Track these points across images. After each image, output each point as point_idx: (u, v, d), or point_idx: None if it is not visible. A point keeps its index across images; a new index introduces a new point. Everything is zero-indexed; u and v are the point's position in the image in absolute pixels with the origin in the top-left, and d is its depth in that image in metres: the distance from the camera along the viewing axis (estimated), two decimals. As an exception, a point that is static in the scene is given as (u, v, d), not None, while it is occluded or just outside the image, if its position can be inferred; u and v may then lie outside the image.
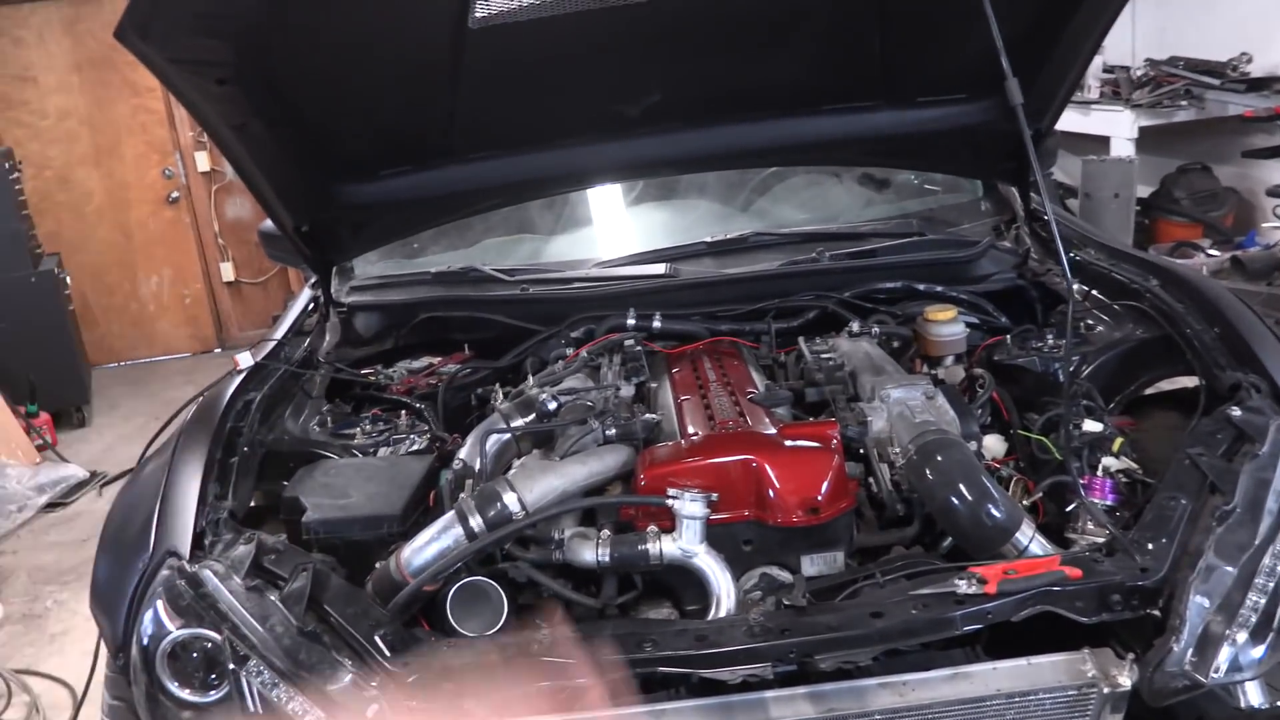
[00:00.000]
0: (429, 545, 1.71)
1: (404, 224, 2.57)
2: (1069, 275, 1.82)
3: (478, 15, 1.88)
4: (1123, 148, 6.44)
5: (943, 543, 1.80)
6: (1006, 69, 1.73)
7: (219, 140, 2.08)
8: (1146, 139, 6.49)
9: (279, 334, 2.52)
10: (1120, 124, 6.43)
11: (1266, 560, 1.56)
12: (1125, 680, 1.51)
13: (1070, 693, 1.54)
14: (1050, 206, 1.95)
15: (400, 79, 2.04)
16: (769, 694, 1.52)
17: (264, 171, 2.18)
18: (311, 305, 2.71)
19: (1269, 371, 1.85)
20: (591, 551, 1.69)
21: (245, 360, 2.26)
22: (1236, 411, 1.79)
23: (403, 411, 2.30)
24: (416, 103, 2.14)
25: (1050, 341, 2.23)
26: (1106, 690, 1.52)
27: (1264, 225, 5.96)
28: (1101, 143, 6.63)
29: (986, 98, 2.34)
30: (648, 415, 2.00)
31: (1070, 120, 6.93)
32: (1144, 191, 6.77)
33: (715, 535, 1.70)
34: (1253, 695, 1.64)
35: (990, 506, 1.66)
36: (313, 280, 2.70)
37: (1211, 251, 6.16)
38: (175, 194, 7.34)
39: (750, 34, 2.15)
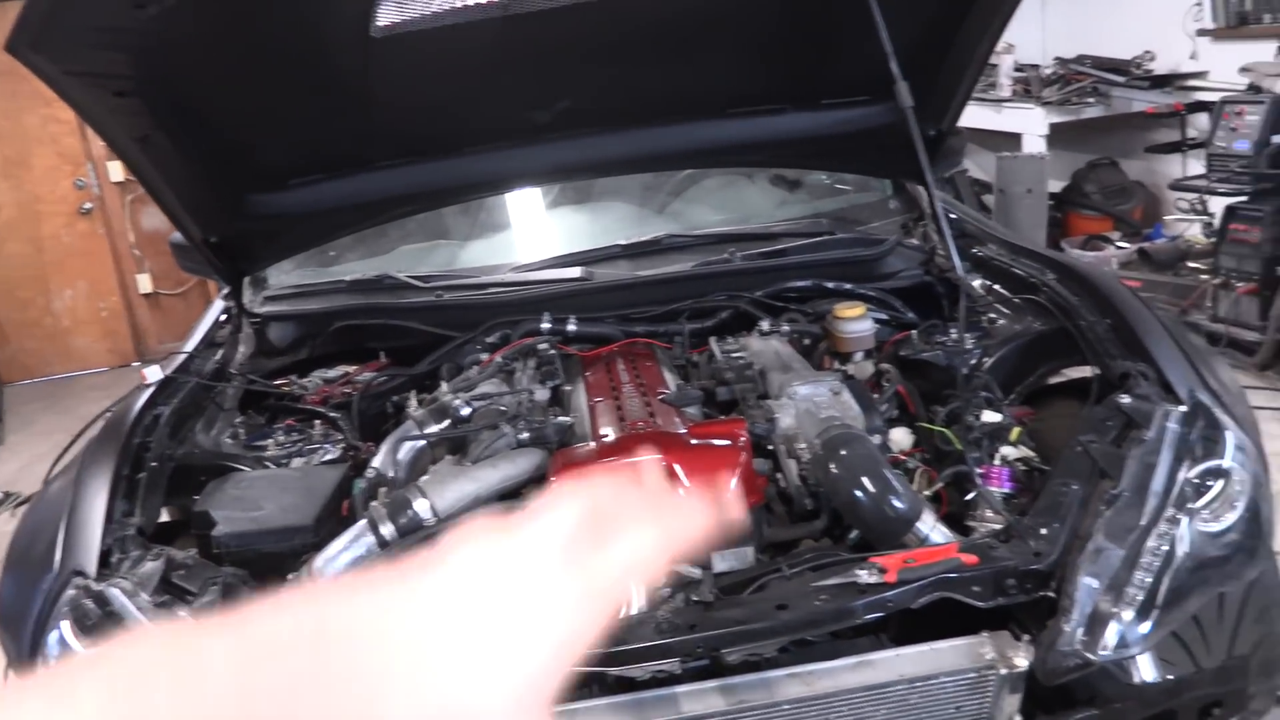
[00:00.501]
0: (341, 554, 1.71)
1: (317, 233, 2.55)
2: (960, 269, 1.87)
3: (380, 24, 1.88)
4: (1034, 144, 6.60)
5: (850, 534, 1.84)
6: (896, 73, 1.78)
7: (121, 153, 2.06)
8: (1057, 135, 6.67)
9: (189, 346, 2.49)
10: (1031, 121, 6.60)
11: (1152, 541, 1.63)
12: (1022, 661, 1.57)
13: (970, 675, 1.59)
14: (939, 206, 2.01)
15: (307, 88, 2.03)
16: (680, 689, 1.55)
17: (170, 183, 2.15)
18: (224, 316, 2.68)
19: (1156, 360, 1.92)
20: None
21: (153, 374, 2.23)
22: (1125, 399, 1.85)
23: (317, 421, 2.29)
24: (325, 111, 2.13)
25: (954, 336, 2.29)
26: (1004, 671, 1.58)
27: (1168, 218, 6.15)
28: (1014, 139, 6.80)
29: (889, 100, 2.38)
30: (561, 418, 2.02)
31: (984, 118, 7.10)
32: (1056, 186, 6.96)
33: (627, 534, 1.72)
34: (1145, 670, 1.71)
35: (892, 498, 1.71)
36: (226, 291, 2.68)
37: (1121, 244, 6.36)
38: (88, 205, 7.16)
39: (657, 41, 2.17)
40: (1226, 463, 1.75)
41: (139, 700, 0.44)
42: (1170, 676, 1.66)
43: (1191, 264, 5.46)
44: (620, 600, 0.53)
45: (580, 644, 0.51)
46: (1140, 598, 1.57)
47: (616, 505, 0.57)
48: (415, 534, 1.70)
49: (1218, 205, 5.24)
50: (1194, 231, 5.78)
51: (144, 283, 7.38)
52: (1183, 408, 1.80)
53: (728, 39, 2.18)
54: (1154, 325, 2.02)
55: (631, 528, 0.55)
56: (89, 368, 7.46)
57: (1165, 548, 1.62)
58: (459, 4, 1.85)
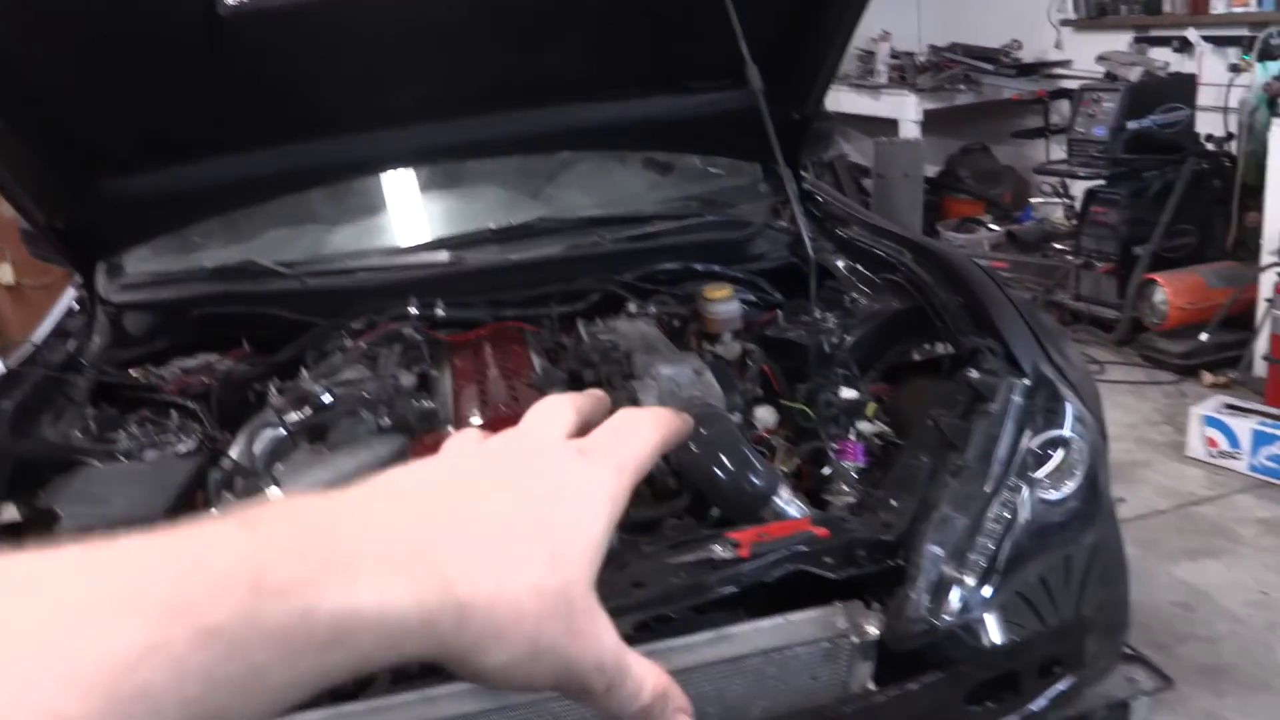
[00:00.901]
0: (192, 547, 1.66)
1: (172, 218, 2.47)
2: (809, 248, 1.91)
3: (228, 2, 1.82)
4: (910, 130, 6.79)
5: (711, 512, 1.87)
6: (745, 55, 1.80)
7: (-49, 133, 1.96)
8: (932, 121, 6.87)
9: (37, 338, 2.38)
10: (906, 107, 6.78)
11: (994, 508, 1.69)
12: (873, 629, 1.61)
13: (824, 645, 1.63)
14: (791, 188, 2.05)
15: (151, 68, 1.96)
16: (538, 668, 1.55)
17: (10, 168, 2.06)
18: (77, 305, 2.57)
19: (1003, 336, 2.00)
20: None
21: (-5, 367, 2.13)
22: (974, 373, 1.92)
23: (174, 412, 2.22)
24: (173, 92, 2.06)
25: (818, 315, 2.34)
26: (857, 640, 1.62)
27: (1036, 200, 6.39)
28: (891, 125, 6.98)
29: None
30: (424, 403, 2.00)
31: (863, 104, 7.27)
32: (932, 171, 7.16)
33: (489, 519, 1.72)
34: (993, 632, 1.79)
35: (749, 474, 1.74)
36: (79, 280, 2.58)
37: (992, 226, 6.59)
38: (-58, 192, 6.80)
39: (518, 24, 2.16)
40: (1066, 433, 1.83)
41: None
42: (1014, 638, 1.74)
43: (1056, 245, 5.69)
44: (637, 475, 0.52)
45: (612, 517, 0.49)
46: (982, 564, 1.63)
47: (600, 409, 0.58)
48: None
49: (1080, 189, 5.46)
50: (1058, 214, 6.02)
51: (5, 273, 7.03)
52: (1026, 381, 1.87)
53: (590, 23, 2.18)
54: (1003, 303, 2.10)
55: (622, 421, 0.55)
56: (-54, 363, 7.10)
57: (1007, 515, 1.69)
58: (308, -18, 1.80)
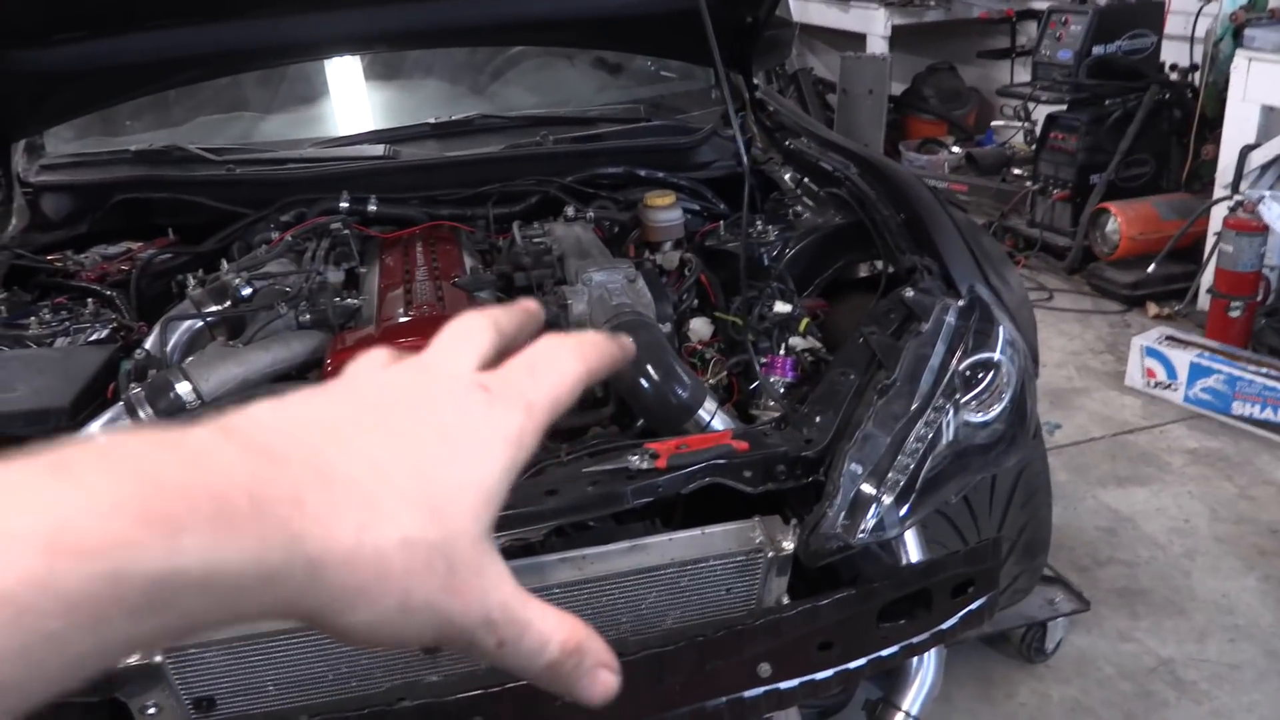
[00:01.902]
0: (96, 439, 1.61)
1: (88, 97, 2.35)
2: (743, 157, 1.86)
3: None
4: (877, 45, 6.66)
5: (638, 422, 1.85)
6: (686, -51, 1.72)
7: None
8: (900, 38, 6.74)
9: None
10: (875, 21, 6.65)
11: (919, 428, 1.68)
12: (788, 545, 1.61)
13: (739, 559, 1.63)
14: (727, 93, 1.99)
15: (57, -70, 1.84)
16: (449, 573, 1.53)
17: None
18: (-9, 185, 2.47)
19: (942, 255, 1.96)
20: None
21: (-102, 245, 2.04)
22: (909, 293, 1.89)
23: (90, 300, 2.14)
24: (84, -41, 1.94)
25: (759, 227, 2.30)
26: (771, 555, 1.62)
27: (994, 124, 6.33)
28: (859, 40, 6.85)
29: (704, -17, 2.34)
30: (348, 300, 1.95)
31: (831, 16, 7.12)
32: (897, 89, 7.05)
33: (406, 420, 1.68)
34: (912, 551, 1.80)
35: (675, 386, 1.71)
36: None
37: (955, 149, 6.52)
38: None
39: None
40: (996, 356, 1.81)
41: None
42: (929, 557, 1.75)
43: (1015, 170, 5.65)
44: (552, 413, 0.48)
45: (513, 461, 0.46)
46: (901, 482, 1.62)
47: (529, 325, 0.54)
48: (175, 417, 1.61)
49: (1042, 113, 5.40)
50: (1019, 139, 5.97)
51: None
52: (960, 302, 1.85)
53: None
54: (944, 222, 2.06)
55: (541, 352, 0.50)
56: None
57: (930, 435, 1.68)
58: None
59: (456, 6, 2.30)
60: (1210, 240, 4.38)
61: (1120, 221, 4.73)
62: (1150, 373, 3.97)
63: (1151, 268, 4.61)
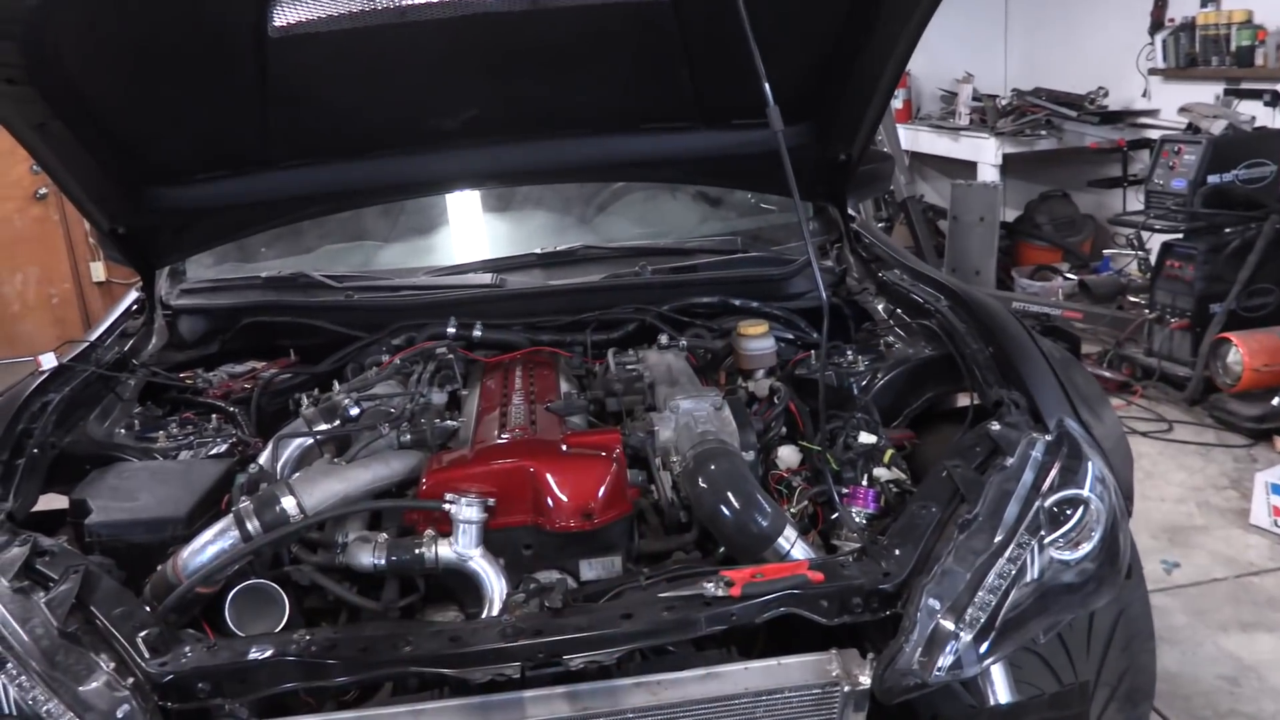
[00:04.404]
0: (206, 548, 1.72)
1: (225, 229, 2.56)
2: (822, 292, 1.90)
3: (276, 25, 1.89)
4: (988, 173, 6.70)
5: (720, 548, 1.87)
6: (768, 96, 1.81)
7: (21, 140, 2.07)
8: (1011, 165, 6.78)
9: (94, 336, 2.49)
10: (986, 150, 6.70)
11: (1000, 564, 1.65)
12: (865, 679, 1.59)
13: (815, 691, 1.61)
14: (806, 228, 2.05)
15: (203, 84, 2.05)
16: (526, 693, 1.56)
17: (71, 172, 2.17)
18: (135, 306, 2.68)
19: (1029, 389, 1.96)
20: (369, 555, 1.73)
21: (48, 361, 2.23)
22: (995, 426, 1.89)
23: (215, 415, 2.29)
24: (225, 109, 2.15)
25: (849, 357, 2.33)
26: (848, 688, 1.60)
27: (1106, 251, 6.24)
28: (970, 167, 6.90)
29: (797, 123, 2.43)
30: (447, 422, 2.04)
31: (942, 145, 7.21)
32: (1010, 215, 7.05)
33: (496, 540, 1.75)
34: (1000, 691, 1.75)
35: (754, 514, 1.74)
36: (139, 282, 2.69)
37: (1069, 275, 6.45)
38: (43, 190, 7.11)
39: (559, 54, 2.21)
40: (1084, 492, 1.78)
41: None
42: (1015, 698, 1.70)
43: (1131, 298, 5.55)
44: None
45: None
46: (982, 619, 1.60)
47: None
48: (279, 530, 1.71)
49: (1157, 241, 5.32)
50: (1134, 267, 5.88)
51: (97, 270, 7.34)
52: (1048, 437, 1.83)
53: (629, 56, 2.21)
54: (1033, 355, 2.05)
55: None
56: (35, 353, 7.39)
57: (1013, 572, 1.65)
58: (355, 8, 1.87)
59: (568, 146, 2.44)
60: (1340, 373, 4.20)
61: (1243, 352, 4.59)
62: (1278, 510, 3.78)
63: (1277, 400, 4.43)
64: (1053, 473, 1.78)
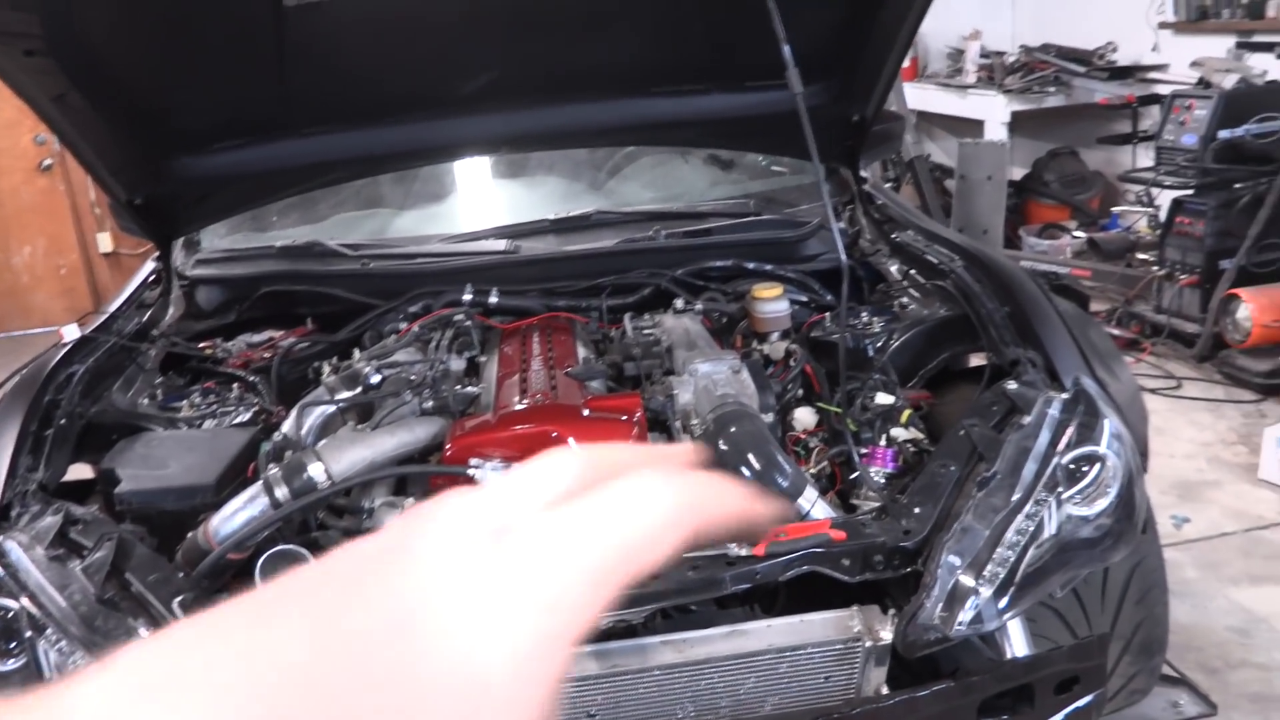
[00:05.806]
0: (236, 514, 1.75)
1: (243, 198, 2.58)
2: (842, 252, 1.91)
3: (292, -6, 1.90)
4: (996, 131, 6.65)
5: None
6: (787, 58, 1.81)
7: (39, 111, 2.07)
8: (1019, 123, 6.73)
9: (113, 307, 2.51)
10: (994, 108, 6.65)
11: (1019, 520, 1.68)
12: (887, 635, 1.63)
13: (837, 647, 1.65)
14: (824, 189, 2.06)
15: (222, 53, 2.05)
16: (555, 652, 1.60)
17: (89, 143, 2.18)
18: (153, 277, 2.70)
19: (1046, 348, 1.97)
20: (394, 519, 1.75)
21: (71, 333, 2.25)
22: (1012, 385, 1.91)
23: (236, 385, 2.32)
24: (243, 77, 2.15)
25: (865, 319, 2.34)
26: (870, 644, 1.64)
27: (1114, 208, 6.21)
28: (977, 126, 6.85)
29: (813, 84, 2.43)
30: (468, 388, 2.06)
31: (949, 103, 7.16)
32: (1017, 174, 7.01)
33: (520, 504, 1.77)
34: (1018, 645, 1.78)
35: (775, 475, 1.76)
36: (157, 253, 2.71)
37: (1077, 233, 6.43)
38: (48, 161, 7.11)
39: (579, 16, 2.20)
40: (1101, 449, 1.80)
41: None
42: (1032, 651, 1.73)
43: (1140, 255, 5.54)
44: (631, 567, 0.41)
45: (586, 609, 0.39)
46: (1001, 575, 1.63)
47: (624, 470, 0.44)
48: (308, 497, 1.73)
49: (1166, 198, 5.30)
50: (1144, 223, 5.86)
51: (104, 241, 7.35)
52: (1064, 395, 1.85)
53: (646, 17, 2.21)
54: (1049, 314, 2.07)
55: (643, 495, 0.42)
56: (47, 325, 7.43)
57: (1031, 528, 1.68)
58: (371, -25, 1.87)
59: (586, 110, 2.44)
60: (1350, 328, 4.20)
61: (1252, 308, 4.58)
62: (1287, 465, 3.80)
63: (1287, 356, 4.44)
64: (1070, 430, 1.80)
